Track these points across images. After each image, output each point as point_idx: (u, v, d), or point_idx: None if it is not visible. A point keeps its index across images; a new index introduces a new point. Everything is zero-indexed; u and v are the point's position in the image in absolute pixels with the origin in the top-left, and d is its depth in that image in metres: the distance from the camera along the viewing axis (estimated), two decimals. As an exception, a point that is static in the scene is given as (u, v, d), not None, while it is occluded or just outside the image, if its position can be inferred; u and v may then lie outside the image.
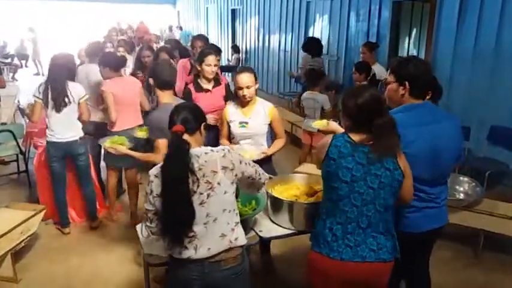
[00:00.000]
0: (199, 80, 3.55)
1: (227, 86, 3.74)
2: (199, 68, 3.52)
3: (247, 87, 2.96)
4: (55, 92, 3.48)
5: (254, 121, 3.05)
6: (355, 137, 1.85)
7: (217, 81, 3.61)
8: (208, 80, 3.54)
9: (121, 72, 3.92)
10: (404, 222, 2.13)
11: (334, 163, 1.82)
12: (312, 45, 6.33)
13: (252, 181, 2.00)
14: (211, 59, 3.45)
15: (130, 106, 3.82)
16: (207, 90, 3.53)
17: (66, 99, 3.49)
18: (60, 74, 3.52)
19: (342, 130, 2.46)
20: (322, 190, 2.01)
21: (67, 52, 3.85)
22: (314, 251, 1.95)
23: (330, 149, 1.84)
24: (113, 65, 3.82)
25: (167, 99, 2.86)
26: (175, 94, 4.19)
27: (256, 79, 3.01)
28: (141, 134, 3.12)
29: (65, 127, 3.56)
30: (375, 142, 1.81)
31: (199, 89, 3.52)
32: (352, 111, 1.87)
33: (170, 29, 16.20)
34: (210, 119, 3.26)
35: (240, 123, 3.05)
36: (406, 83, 2.06)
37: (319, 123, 2.86)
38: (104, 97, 3.71)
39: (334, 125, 2.70)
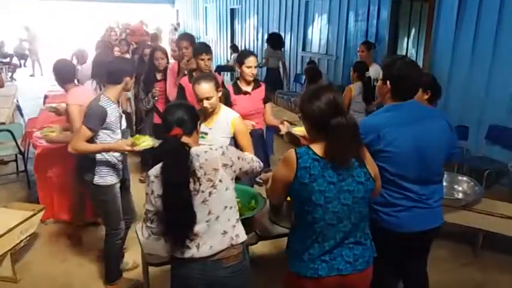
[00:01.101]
0: (238, 82, 3.46)
1: (266, 88, 3.59)
2: (239, 70, 3.44)
3: (207, 99, 2.65)
4: None
5: (214, 133, 2.77)
6: (318, 149, 1.73)
7: (256, 82, 3.49)
8: (248, 82, 3.43)
9: (75, 82, 3.44)
10: (395, 222, 2.11)
11: (306, 188, 1.71)
12: (274, 40, 7.71)
13: (246, 174, 2.10)
14: (252, 60, 3.35)
15: None
16: (246, 93, 3.41)
17: None
18: None
19: None
20: (294, 212, 1.87)
21: None
22: (290, 271, 1.86)
23: (299, 173, 1.70)
24: (64, 75, 3.28)
25: (110, 94, 2.75)
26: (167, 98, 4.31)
27: (218, 86, 2.70)
28: (145, 144, 2.66)
29: None
30: (330, 144, 1.69)
31: (238, 91, 3.41)
32: (312, 115, 1.75)
33: (175, 28, 16.01)
34: (248, 125, 3.12)
35: (200, 133, 2.77)
36: (388, 82, 2.10)
37: (299, 129, 2.89)
38: (70, 111, 3.12)
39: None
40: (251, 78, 3.40)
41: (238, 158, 1.94)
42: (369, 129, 2.02)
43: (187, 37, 4.12)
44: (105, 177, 2.80)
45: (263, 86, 3.54)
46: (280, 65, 7.74)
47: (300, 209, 1.80)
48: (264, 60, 7.70)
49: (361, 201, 1.77)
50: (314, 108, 1.72)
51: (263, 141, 3.56)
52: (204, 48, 3.57)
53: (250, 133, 3.10)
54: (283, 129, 3.03)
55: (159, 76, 4.52)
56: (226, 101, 3.13)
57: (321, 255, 1.78)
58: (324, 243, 1.78)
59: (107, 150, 2.75)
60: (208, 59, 3.53)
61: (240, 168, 1.94)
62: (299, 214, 1.82)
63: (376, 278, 1.95)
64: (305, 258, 1.80)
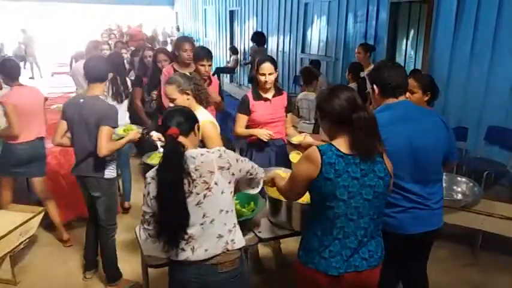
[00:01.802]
0: (258, 88, 3.23)
1: (289, 96, 3.39)
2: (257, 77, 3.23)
3: (172, 100, 2.68)
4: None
5: None
6: (342, 146, 1.78)
7: (278, 90, 3.27)
8: (267, 89, 3.18)
9: (19, 81, 3.52)
10: (393, 223, 2.12)
11: (331, 183, 1.75)
12: (258, 38, 8.48)
13: (250, 177, 2.01)
14: (266, 67, 3.09)
15: (34, 117, 3.48)
16: (266, 99, 3.19)
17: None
18: None
19: (317, 143, 2.54)
20: (313, 207, 1.91)
21: None
22: (308, 267, 1.87)
23: (324, 168, 1.74)
24: (7, 73, 3.44)
25: (98, 92, 2.91)
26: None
27: (182, 90, 2.67)
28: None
29: None
30: (356, 138, 1.75)
31: (258, 97, 3.18)
32: (332, 112, 1.80)
33: (177, 28, 15.94)
34: (263, 135, 3.05)
35: None
36: (375, 86, 2.22)
37: (296, 139, 2.99)
38: (5, 110, 3.29)
39: (309, 139, 2.84)
40: (268, 86, 3.14)
41: (237, 160, 1.92)
42: None
43: (189, 40, 4.07)
44: (112, 171, 2.99)
45: (285, 94, 3.32)
46: None
47: (321, 205, 1.82)
48: (249, 58, 8.45)
49: (381, 197, 1.83)
50: (334, 105, 1.79)
51: (284, 153, 3.22)
52: (205, 54, 3.51)
53: (267, 143, 3.12)
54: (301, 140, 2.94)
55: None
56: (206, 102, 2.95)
57: (341, 251, 1.81)
58: (346, 240, 1.81)
59: (128, 142, 3.03)
60: (209, 65, 3.49)
61: (240, 170, 1.92)
62: (319, 210, 1.84)
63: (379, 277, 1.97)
64: (325, 255, 1.82)
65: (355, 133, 1.75)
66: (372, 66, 5.26)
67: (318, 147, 1.81)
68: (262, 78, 3.11)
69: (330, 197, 1.77)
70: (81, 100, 2.86)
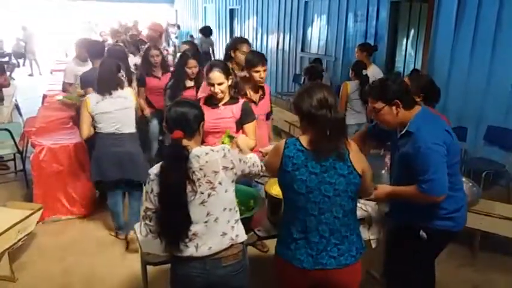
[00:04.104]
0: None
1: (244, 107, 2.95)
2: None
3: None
4: None
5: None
6: (305, 142, 1.81)
7: (232, 98, 2.90)
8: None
9: None
10: (458, 222, 2.23)
11: (289, 175, 1.80)
12: (205, 30, 10.50)
13: (248, 175, 2.07)
14: (214, 77, 2.75)
15: None
16: (215, 106, 2.85)
17: None
18: None
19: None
20: (282, 198, 1.97)
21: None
22: (278, 254, 1.95)
23: (283, 161, 1.81)
24: None
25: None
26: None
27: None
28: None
29: None
30: (314, 135, 1.79)
31: (208, 101, 2.88)
32: (301, 111, 1.83)
33: (178, 27, 15.85)
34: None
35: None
36: (397, 101, 2.10)
37: (266, 149, 2.80)
38: None
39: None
40: (219, 97, 2.78)
41: (240, 160, 1.93)
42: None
43: (248, 41, 3.75)
44: None
45: (240, 103, 2.87)
46: (211, 50, 10.57)
47: (285, 196, 1.91)
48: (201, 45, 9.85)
49: (343, 195, 1.82)
50: (304, 103, 1.81)
51: None
52: (260, 59, 3.13)
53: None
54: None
55: (189, 83, 4.15)
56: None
57: (306, 246, 1.85)
58: (308, 234, 1.84)
59: None
60: (264, 71, 3.14)
61: (242, 171, 1.95)
62: (286, 201, 1.93)
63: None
64: (292, 246, 1.88)
65: (317, 131, 1.78)
66: (372, 67, 5.28)
67: (286, 140, 1.87)
68: (211, 88, 2.76)
69: (290, 189, 1.83)
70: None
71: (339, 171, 1.79)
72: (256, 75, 3.12)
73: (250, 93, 3.22)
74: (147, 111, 4.70)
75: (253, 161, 2.08)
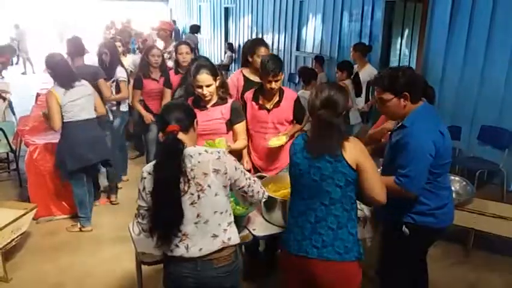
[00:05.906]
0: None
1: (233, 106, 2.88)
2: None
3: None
4: None
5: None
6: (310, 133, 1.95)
7: (221, 98, 2.84)
8: (206, 101, 2.80)
9: None
10: (441, 219, 2.21)
11: (291, 160, 1.98)
12: (193, 27, 10.79)
13: (242, 194, 1.96)
14: (201, 79, 2.69)
15: None
16: (203, 108, 2.81)
17: None
18: None
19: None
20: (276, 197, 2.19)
21: None
22: (281, 240, 2.11)
23: (291, 147, 1.99)
24: None
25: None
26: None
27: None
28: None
29: None
30: (310, 137, 1.90)
31: (196, 103, 2.82)
32: (308, 109, 1.93)
33: (174, 22, 15.67)
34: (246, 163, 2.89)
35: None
36: (406, 93, 2.08)
37: (277, 142, 2.92)
38: None
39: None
40: (207, 99, 2.74)
41: (236, 168, 1.88)
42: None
43: (266, 43, 3.49)
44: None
45: (229, 103, 2.83)
46: (194, 45, 10.33)
47: (290, 182, 2.05)
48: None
49: (329, 181, 1.85)
50: (311, 99, 1.90)
51: None
52: (272, 69, 2.82)
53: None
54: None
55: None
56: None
57: (293, 230, 1.95)
58: (297, 218, 1.94)
59: None
60: (276, 81, 2.88)
61: (235, 180, 1.87)
62: (290, 187, 2.06)
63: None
64: (286, 231, 2.03)
65: (313, 130, 1.91)
66: (367, 66, 5.30)
67: (302, 133, 2.04)
68: (198, 90, 2.71)
69: (290, 174, 2.00)
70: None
71: (326, 157, 1.85)
72: (267, 86, 2.90)
73: (262, 99, 3.01)
74: (148, 117, 4.41)
75: (255, 178, 2.01)
